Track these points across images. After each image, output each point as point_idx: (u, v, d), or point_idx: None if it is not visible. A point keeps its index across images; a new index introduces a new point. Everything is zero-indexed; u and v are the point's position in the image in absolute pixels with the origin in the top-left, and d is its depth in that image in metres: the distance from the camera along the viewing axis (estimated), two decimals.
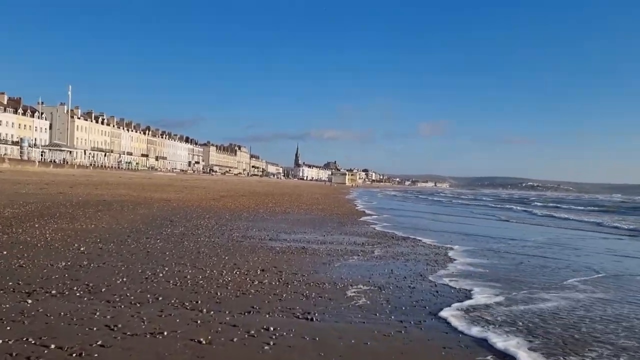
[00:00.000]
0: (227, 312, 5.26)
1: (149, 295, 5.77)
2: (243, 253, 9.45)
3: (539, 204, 59.33)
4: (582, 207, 49.47)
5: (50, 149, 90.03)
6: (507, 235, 17.00)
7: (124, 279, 6.55)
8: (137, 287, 6.16)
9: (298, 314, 5.40)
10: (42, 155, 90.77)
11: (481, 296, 6.82)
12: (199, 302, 5.64)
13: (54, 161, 78.67)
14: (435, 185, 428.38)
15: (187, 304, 5.52)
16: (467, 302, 6.43)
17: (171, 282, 6.56)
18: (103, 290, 5.98)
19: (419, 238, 14.21)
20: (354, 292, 6.64)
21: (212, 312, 5.21)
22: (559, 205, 55.68)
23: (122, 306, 5.32)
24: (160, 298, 5.69)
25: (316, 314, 5.42)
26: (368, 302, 6.12)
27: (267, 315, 5.24)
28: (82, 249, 8.78)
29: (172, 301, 5.60)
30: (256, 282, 6.82)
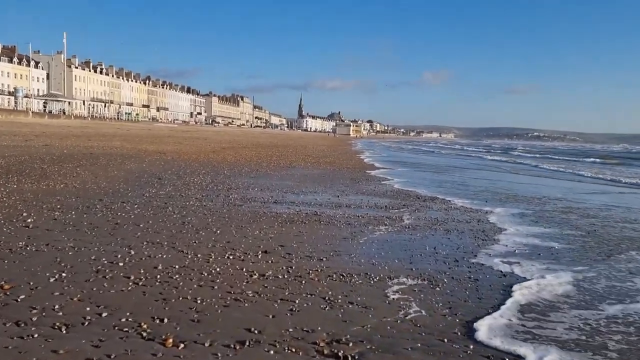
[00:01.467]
0: (206, 344, 3.25)
1: (87, 309, 3.75)
2: (240, 223, 7.42)
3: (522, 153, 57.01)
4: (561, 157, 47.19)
5: (47, 100, 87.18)
6: (536, 192, 14.92)
7: (63, 274, 4.52)
8: (76, 291, 4.14)
9: (322, 346, 3.37)
10: (44, 106, 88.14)
11: (580, 295, 4.81)
12: (165, 321, 3.62)
13: (51, 112, 76.13)
14: (440, 136, 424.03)
15: (144, 325, 3.49)
16: (576, 311, 4.41)
17: (131, 278, 4.53)
18: (20, 298, 3.95)
19: (447, 198, 12.17)
20: (397, 291, 4.62)
21: (181, 346, 3.20)
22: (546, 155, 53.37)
23: (32, 336, 3.29)
24: (103, 314, 3.66)
25: (350, 345, 3.39)
26: (423, 311, 4.10)
27: (272, 351, 3.22)
28: (29, 220, 6.76)
29: (121, 320, 3.58)
30: (256, 276, 4.80)
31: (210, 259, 5.27)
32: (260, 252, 5.74)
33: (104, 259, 5.04)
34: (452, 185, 15.86)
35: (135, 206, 8.33)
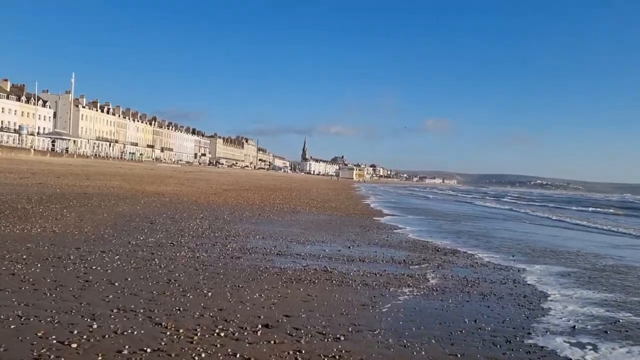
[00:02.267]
0: None
1: None
2: (237, 282, 6.20)
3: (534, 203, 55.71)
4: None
5: (51, 138, 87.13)
6: (563, 245, 13.64)
7: None
8: None
9: None
10: (52, 144, 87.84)
11: None
12: None
13: (55, 150, 75.81)
14: (443, 182, 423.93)
15: None
16: None
17: None
18: None
19: (469, 251, 10.95)
20: None
21: None
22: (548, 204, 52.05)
23: None
24: None
25: None
26: None
27: None
28: None
29: None
30: None
31: (195, 338, 4.03)
32: (260, 325, 4.51)
33: (52, 337, 3.82)
34: (470, 236, 14.61)
35: (117, 257, 7.13)
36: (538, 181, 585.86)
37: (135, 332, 4.05)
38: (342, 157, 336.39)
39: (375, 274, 7.40)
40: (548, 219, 25.97)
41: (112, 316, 4.44)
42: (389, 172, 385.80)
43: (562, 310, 6.04)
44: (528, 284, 7.60)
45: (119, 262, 6.79)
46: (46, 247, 7.47)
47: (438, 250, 10.71)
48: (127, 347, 3.73)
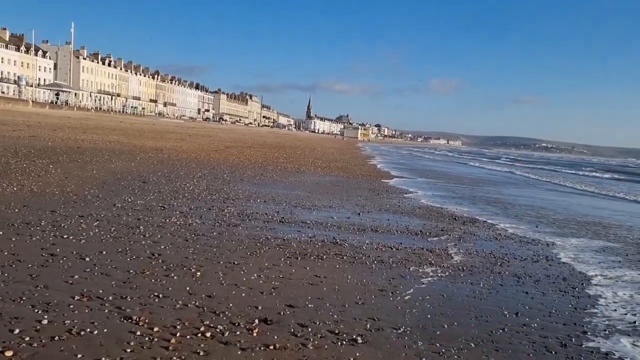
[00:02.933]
0: None
1: None
2: (232, 258, 5.29)
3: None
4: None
5: (50, 89, 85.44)
6: (590, 213, 12.70)
7: None
8: None
9: None
10: (56, 96, 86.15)
11: None
12: None
13: (54, 102, 74.40)
14: (448, 143, 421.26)
15: None
16: None
17: None
18: None
19: (489, 220, 10.04)
20: None
21: None
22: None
23: None
24: None
25: None
26: None
27: None
28: None
29: None
30: None
31: (172, 341, 3.13)
32: (257, 320, 3.60)
33: None
34: (485, 202, 13.66)
35: (95, 224, 6.22)
36: (543, 144, 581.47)
37: (96, 332, 3.14)
38: (347, 115, 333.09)
39: (391, 248, 6.48)
40: (559, 184, 24.97)
41: (72, 306, 3.54)
42: (393, 132, 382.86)
43: (614, 298, 5.14)
44: (563, 263, 6.69)
45: (96, 230, 5.87)
46: (17, 210, 6.56)
47: (455, 219, 9.79)
48: (79, 356, 2.83)
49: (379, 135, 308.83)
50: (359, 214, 9.23)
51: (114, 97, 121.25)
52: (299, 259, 5.52)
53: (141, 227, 6.23)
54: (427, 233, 7.86)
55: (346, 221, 8.22)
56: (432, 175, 24.15)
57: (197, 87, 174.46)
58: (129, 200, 8.15)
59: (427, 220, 9.22)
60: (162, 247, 5.44)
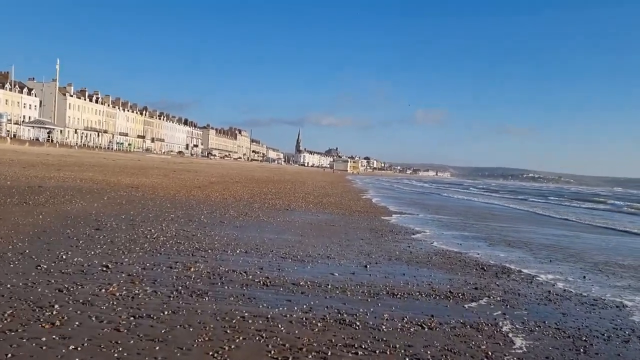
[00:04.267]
0: None
1: None
2: None
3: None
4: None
5: (33, 127, 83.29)
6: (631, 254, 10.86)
7: None
8: None
9: None
10: (37, 132, 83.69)
11: None
12: None
13: (37, 139, 72.24)
14: (437, 175, 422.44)
15: None
16: None
17: None
18: None
19: (523, 268, 8.17)
20: None
21: None
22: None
23: None
24: None
25: None
26: None
27: None
28: None
29: None
30: None
31: None
32: None
33: None
34: (504, 242, 11.79)
35: None
36: (530, 174, 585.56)
37: None
38: (336, 149, 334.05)
39: (422, 327, 4.53)
40: (568, 220, 23.22)
41: None
42: (382, 165, 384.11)
43: None
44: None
45: None
46: None
47: (484, 269, 7.88)
48: None
49: (368, 167, 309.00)
50: (366, 266, 7.28)
51: (100, 134, 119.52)
52: (291, 358, 3.55)
53: (56, 306, 4.23)
54: (460, 295, 5.92)
55: (352, 280, 6.26)
56: (433, 209, 22.31)
57: (185, 123, 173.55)
58: (64, 257, 6.15)
59: (451, 274, 7.29)
60: (70, 348, 3.44)
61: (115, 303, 4.47)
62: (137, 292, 4.89)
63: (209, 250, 7.43)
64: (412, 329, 4.44)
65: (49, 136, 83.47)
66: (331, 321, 4.49)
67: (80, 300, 4.46)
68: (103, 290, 4.84)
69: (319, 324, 4.35)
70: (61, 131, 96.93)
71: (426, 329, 4.48)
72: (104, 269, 5.74)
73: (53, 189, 15.08)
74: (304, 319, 4.49)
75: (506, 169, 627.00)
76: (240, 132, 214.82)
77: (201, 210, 12.91)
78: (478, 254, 9.51)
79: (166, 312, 4.32)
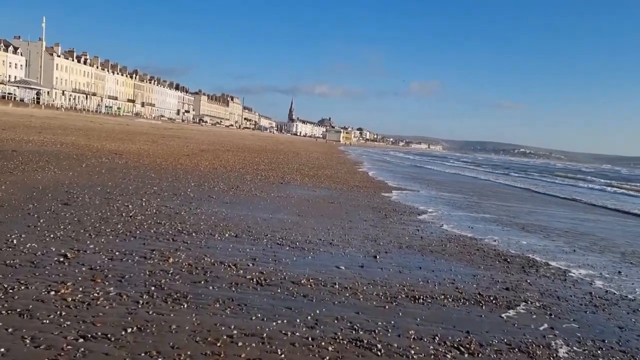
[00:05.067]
0: None
1: None
2: None
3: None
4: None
5: (19, 86, 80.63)
6: None
7: None
8: None
9: None
10: (23, 92, 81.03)
11: None
12: None
13: (22, 100, 69.89)
14: (429, 148, 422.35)
15: None
16: None
17: None
18: None
19: (551, 261, 7.22)
20: None
21: None
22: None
23: None
24: None
25: None
26: None
27: None
28: None
29: None
30: None
31: None
32: None
33: None
34: (518, 226, 10.85)
35: None
36: (521, 149, 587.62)
37: None
38: (330, 119, 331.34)
39: (459, 349, 3.54)
40: (572, 200, 22.39)
41: None
42: (375, 136, 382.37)
43: None
44: None
45: None
46: None
47: (507, 261, 6.92)
48: None
49: (360, 139, 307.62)
50: (375, 257, 6.28)
51: (89, 96, 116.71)
52: None
53: None
54: (493, 300, 4.93)
55: (362, 277, 5.25)
56: (432, 184, 21.33)
57: (177, 88, 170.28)
58: (14, 242, 5.06)
59: (473, 267, 6.31)
60: None
61: (63, 314, 3.41)
62: (96, 295, 3.84)
63: (193, 234, 6.37)
64: (448, 356, 3.44)
65: (36, 97, 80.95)
66: (344, 342, 3.47)
67: (17, 310, 3.40)
68: (52, 292, 3.78)
69: (329, 348, 3.34)
70: (48, 92, 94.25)
71: (466, 355, 3.49)
72: (62, 259, 4.67)
73: (28, 154, 13.87)
74: (310, 338, 3.47)
75: (498, 144, 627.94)
76: (232, 99, 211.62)
77: (188, 182, 11.80)
78: (494, 240, 8.55)
79: (130, 330, 3.28)
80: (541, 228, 10.92)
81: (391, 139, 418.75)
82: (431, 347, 3.56)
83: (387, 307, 4.35)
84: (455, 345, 3.64)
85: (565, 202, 19.48)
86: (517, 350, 3.69)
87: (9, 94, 72.20)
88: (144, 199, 8.60)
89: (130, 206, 7.77)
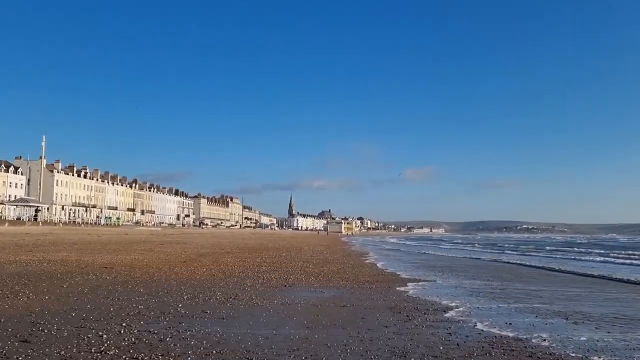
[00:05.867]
0: None
1: None
2: None
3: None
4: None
5: (17, 205, 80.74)
6: None
7: None
8: None
9: None
10: (22, 211, 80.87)
11: None
12: None
13: (19, 219, 69.47)
14: (431, 231, 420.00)
15: None
16: None
17: None
18: None
19: None
20: None
21: None
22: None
23: None
24: None
25: None
26: None
27: None
28: None
29: None
30: None
31: None
32: None
33: None
34: (557, 313, 9.44)
35: None
36: (524, 226, 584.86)
37: None
38: (329, 210, 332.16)
39: None
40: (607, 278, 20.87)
41: None
42: (376, 224, 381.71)
43: None
44: None
45: None
46: None
47: None
48: None
49: (362, 228, 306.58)
50: None
51: (89, 209, 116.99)
52: None
53: None
54: None
55: None
56: (446, 271, 19.88)
57: (176, 193, 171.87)
58: None
59: None
60: None
61: None
62: None
63: None
64: None
65: (36, 214, 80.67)
66: None
67: None
68: None
69: None
70: (48, 208, 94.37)
71: None
72: None
73: (6, 277, 12.67)
74: None
75: (499, 222, 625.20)
76: (232, 200, 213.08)
77: (181, 295, 10.50)
78: (544, 339, 7.16)
79: None
80: (585, 316, 9.50)
81: (392, 226, 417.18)
82: None
83: None
84: None
85: (587, 279, 17.98)
86: None
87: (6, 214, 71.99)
88: (124, 324, 7.29)
89: (105, 336, 6.46)
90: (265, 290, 12.00)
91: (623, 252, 42.57)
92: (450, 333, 7.48)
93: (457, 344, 6.71)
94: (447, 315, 9.16)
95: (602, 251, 44.18)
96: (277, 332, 7.20)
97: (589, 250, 47.22)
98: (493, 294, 12.88)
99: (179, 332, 6.89)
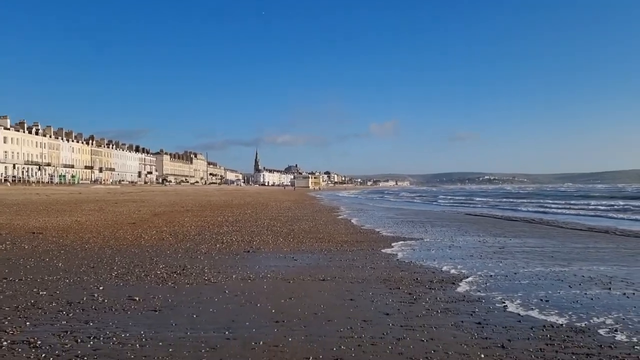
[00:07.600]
0: None
1: None
2: None
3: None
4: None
5: None
6: None
7: None
8: None
9: None
10: None
11: None
12: None
13: None
14: (397, 184, 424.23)
15: None
16: None
17: None
18: None
19: None
20: None
21: None
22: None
23: None
24: None
25: None
26: None
27: None
28: None
29: None
30: None
31: None
32: None
33: None
34: (599, 283, 7.40)
35: None
36: (486, 177, 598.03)
37: None
38: (296, 165, 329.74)
39: None
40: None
41: None
42: (343, 178, 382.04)
43: None
44: None
45: None
46: None
47: None
48: None
49: (329, 182, 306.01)
50: None
51: (42, 167, 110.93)
52: None
53: None
54: None
55: None
56: (428, 226, 17.79)
57: (137, 150, 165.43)
58: None
59: None
60: None
61: None
62: None
63: None
64: None
65: None
66: None
67: None
68: None
69: None
70: None
71: None
72: None
73: None
74: None
75: (462, 174, 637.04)
76: (195, 156, 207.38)
77: (109, 271, 7.97)
78: (615, 329, 5.02)
79: None
80: (626, 283, 7.48)
81: (359, 180, 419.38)
82: None
83: None
84: None
85: (583, 233, 16.27)
86: None
87: None
88: (7, 320, 4.75)
89: None
90: (222, 258, 9.57)
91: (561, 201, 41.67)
92: (479, 323, 5.26)
93: (502, 346, 4.48)
94: (459, 290, 6.96)
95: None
96: (232, 332, 4.80)
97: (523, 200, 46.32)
98: (496, 254, 10.83)
99: (76, 341, 4.41)
